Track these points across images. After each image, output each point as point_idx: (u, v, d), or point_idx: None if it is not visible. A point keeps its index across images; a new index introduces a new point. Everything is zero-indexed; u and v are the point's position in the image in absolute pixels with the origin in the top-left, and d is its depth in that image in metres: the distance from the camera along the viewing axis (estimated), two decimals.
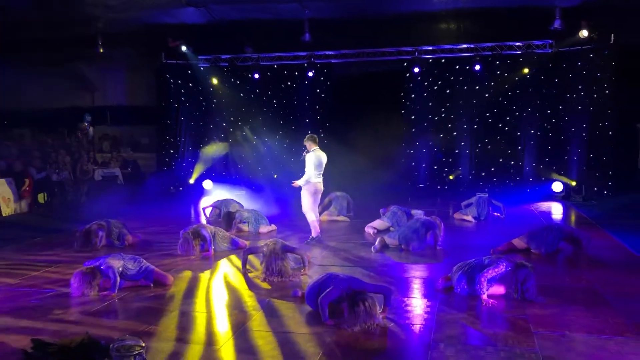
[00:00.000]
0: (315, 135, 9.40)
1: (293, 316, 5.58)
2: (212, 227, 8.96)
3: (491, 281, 5.93)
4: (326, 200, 11.38)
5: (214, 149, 16.28)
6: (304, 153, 9.23)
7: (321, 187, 9.25)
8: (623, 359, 4.44)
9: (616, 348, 4.62)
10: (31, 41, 16.87)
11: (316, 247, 8.87)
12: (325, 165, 9.27)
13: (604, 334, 4.92)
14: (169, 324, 5.41)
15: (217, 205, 11.54)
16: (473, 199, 11.38)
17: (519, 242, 8.19)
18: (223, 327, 5.35)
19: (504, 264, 5.97)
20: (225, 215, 10.62)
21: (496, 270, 5.92)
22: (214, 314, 5.75)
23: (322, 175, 9.23)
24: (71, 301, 6.13)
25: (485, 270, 5.92)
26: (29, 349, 2.36)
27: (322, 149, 9.50)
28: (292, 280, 6.93)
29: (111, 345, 2.50)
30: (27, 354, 2.31)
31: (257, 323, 5.42)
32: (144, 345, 2.57)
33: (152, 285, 6.70)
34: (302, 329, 5.23)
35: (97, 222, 9.11)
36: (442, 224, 8.81)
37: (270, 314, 5.68)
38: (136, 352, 2.50)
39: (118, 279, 6.42)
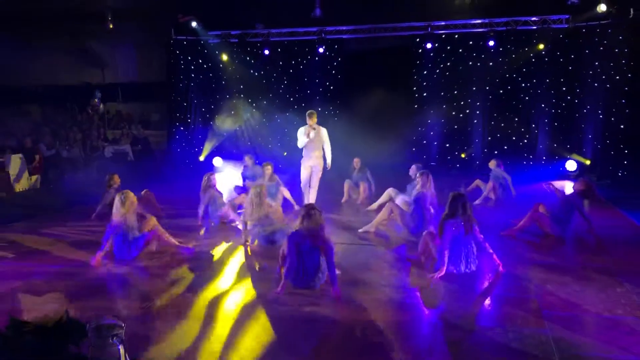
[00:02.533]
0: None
1: (294, 292, 5.50)
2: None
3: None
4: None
5: (224, 126, 16.19)
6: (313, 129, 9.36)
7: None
8: (635, 339, 4.33)
9: (628, 329, 4.51)
10: (41, 16, 16.79)
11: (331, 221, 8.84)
12: (331, 142, 9.51)
13: (616, 315, 4.81)
14: (169, 300, 5.37)
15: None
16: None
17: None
18: (223, 304, 5.29)
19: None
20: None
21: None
22: (217, 291, 5.69)
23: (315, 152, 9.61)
24: (74, 278, 6.10)
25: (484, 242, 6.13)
26: (4, 327, 2.30)
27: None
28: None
29: (88, 325, 2.42)
30: None
31: (258, 300, 5.35)
32: (123, 325, 2.49)
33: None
34: (305, 307, 5.16)
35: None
36: (431, 180, 8.32)
37: (272, 290, 5.61)
38: (115, 333, 2.42)
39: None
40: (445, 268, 5.87)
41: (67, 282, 5.96)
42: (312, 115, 9.46)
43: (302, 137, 9.46)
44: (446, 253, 5.93)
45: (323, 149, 9.65)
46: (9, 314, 2.33)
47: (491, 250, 6.11)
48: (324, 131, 9.57)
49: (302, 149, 9.66)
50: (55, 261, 6.82)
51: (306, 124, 9.48)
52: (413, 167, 9.57)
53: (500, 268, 6.04)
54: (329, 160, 9.72)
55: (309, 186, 9.73)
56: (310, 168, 9.65)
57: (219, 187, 9.13)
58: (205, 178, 8.95)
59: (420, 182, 8.28)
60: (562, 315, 4.83)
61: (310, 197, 9.73)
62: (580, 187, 7.80)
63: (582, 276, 5.92)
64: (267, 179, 9.99)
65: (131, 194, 7.01)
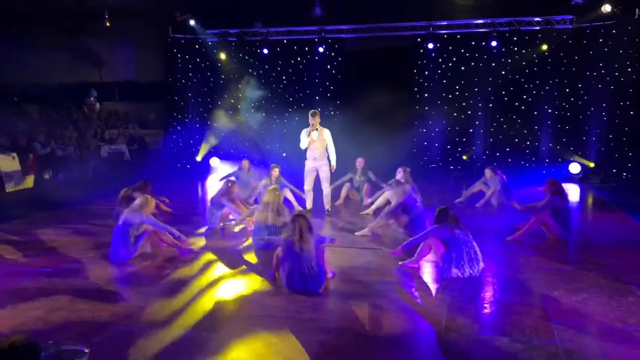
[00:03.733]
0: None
1: (295, 300, 5.27)
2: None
3: None
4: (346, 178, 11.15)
5: (221, 126, 15.94)
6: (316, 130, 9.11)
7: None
8: None
9: None
10: (38, 14, 16.59)
11: (327, 225, 8.65)
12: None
13: (630, 325, 4.57)
14: (158, 305, 5.13)
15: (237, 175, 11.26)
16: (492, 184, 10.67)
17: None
18: (216, 311, 5.06)
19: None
20: None
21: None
22: (210, 296, 5.45)
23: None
24: (64, 282, 5.86)
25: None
26: None
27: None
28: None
29: (43, 352, 2.17)
30: None
31: (256, 306, 5.13)
32: (87, 351, 2.25)
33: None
34: (307, 313, 4.93)
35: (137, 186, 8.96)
36: (402, 189, 8.13)
37: (272, 297, 5.38)
38: None
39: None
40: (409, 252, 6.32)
41: (55, 284, 5.73)
42: (315, 115, 9.14)
43: (304, 137, 9.18)
44: (422, 245, 6.17)
45: (327, 151, 9.35)
46: None
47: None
48: (327, 132, 9.29)
49: (304, 151, 9.40)
50: (45, 263, 6.59)
51: (308, 124, 9.22)
52: (399, 170, 9.32)
53: None
54: (333, 162, 9.44)
55: (316, 188, 9.50)
56: (315, 170, 9.38)
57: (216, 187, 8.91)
58: (225, 184, 8.75)
59: (396, 194, 8.15)
60: (572, 325, 4.59)
61: (324, 196, 9.53)
62: (552, 188, 7.63)
63: (591, 283, 5.68)
64: (273, 182, 9.84)
65: (153, 201, 7.13)
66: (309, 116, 9.17)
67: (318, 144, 9.20)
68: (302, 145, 9.26)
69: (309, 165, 9.41)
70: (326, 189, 9.53)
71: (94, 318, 4.83)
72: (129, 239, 6.63)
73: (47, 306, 5.12)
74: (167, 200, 9.63)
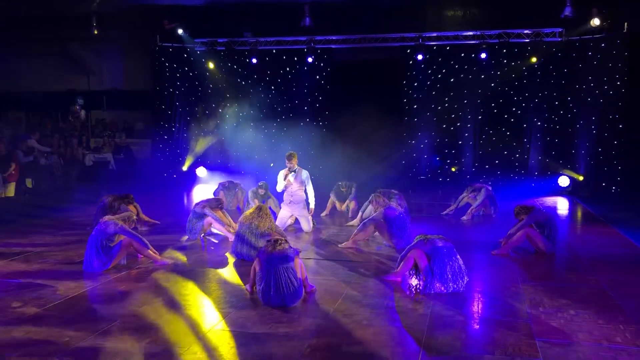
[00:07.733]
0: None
1: (271, 315, 5.08)
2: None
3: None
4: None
5: (208, 135, 15.76)
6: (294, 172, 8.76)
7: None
8: None
9: None
10: (26, 22, 16.43)
11: (311, 236, 8.48)
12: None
13: (616, 343, 4.40)
14: (134, 320, 4.92)
15: (223, 186, 11.15)
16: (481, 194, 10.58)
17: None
18: (189, 325, 4.85)
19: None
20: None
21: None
22: (183, 310, 5.25)
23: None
24: (33, 294, 5.63)
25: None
26: None
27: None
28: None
29: None
30: None
31: (231, 321, 4.92)
32: None
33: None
34: (282, 328, 4.74)
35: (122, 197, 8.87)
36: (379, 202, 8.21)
37: (248, 311, 5.18)
38: None
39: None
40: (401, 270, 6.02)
41: (21, 297, 5.50)
42: (291, 157, 8.61)
43: (280, 180, 8.65)
44: (406, 258, 5.95)
45: (306, 193, 8.87)
46: None
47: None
48: (305, 173, 8.76)
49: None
50: (14, 274, 6.36)
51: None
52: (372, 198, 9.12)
53: None
54: (312, 205, 8.94)
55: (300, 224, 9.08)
56: (291, 215, 8.98)
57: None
58: (215, 200, 8.69)
59: (375, 209, 8.17)
60: (557, 343, 4.42)
61: (305, 231, 8.96)
62: (524, 211, 7.55)
63: (578, 299, 5.52)
64: (259, 197, 9.80)
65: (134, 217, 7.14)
66: (285, 159, 8.67)
67: (295, 186, 8.69)
68: (279, 188, 8.72)
69: (284, 210, 8.88)
70: (308, 223, 8.94)
71: (60, 332, 4.61)
72: (103, 250, 6.42)
73: (11, 320, 4.89)
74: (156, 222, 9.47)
